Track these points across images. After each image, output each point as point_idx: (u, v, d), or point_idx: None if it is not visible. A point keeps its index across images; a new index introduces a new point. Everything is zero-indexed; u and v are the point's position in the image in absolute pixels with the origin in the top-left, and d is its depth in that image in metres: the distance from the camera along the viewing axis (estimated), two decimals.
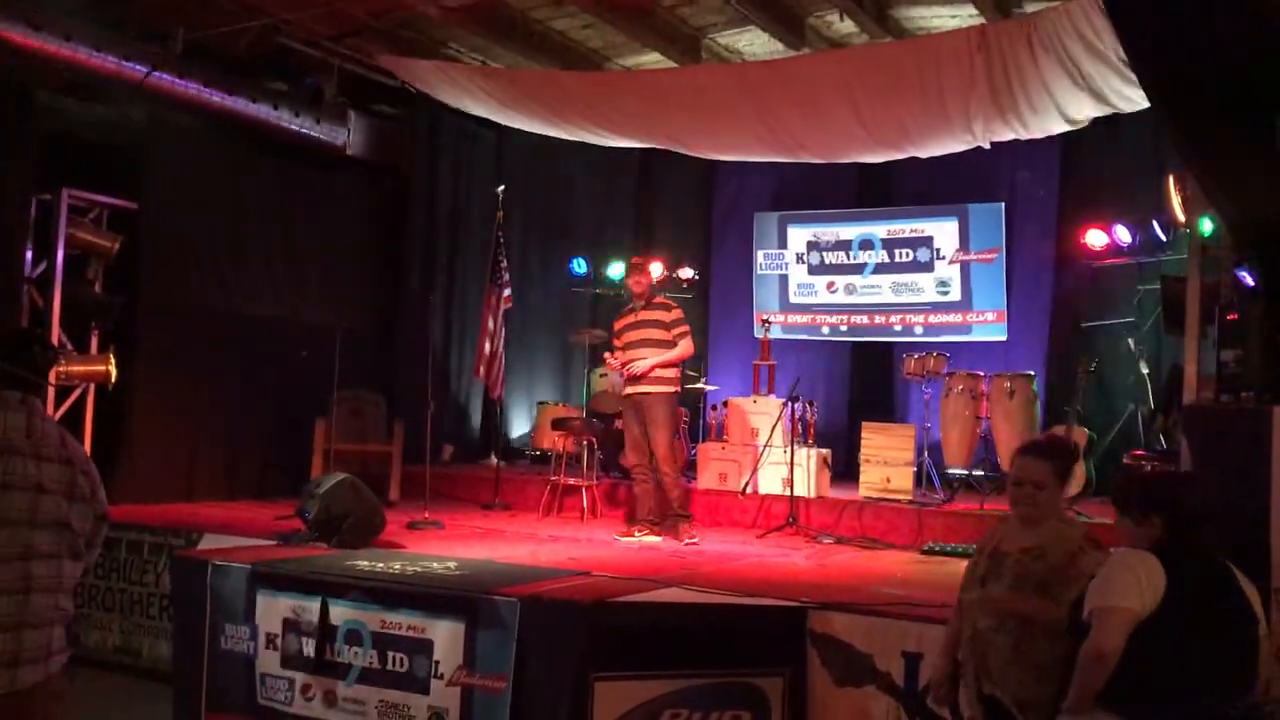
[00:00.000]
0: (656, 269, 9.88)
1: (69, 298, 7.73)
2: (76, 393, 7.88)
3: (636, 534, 7.11)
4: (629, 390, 7.31)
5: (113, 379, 7.83)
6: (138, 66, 7.87)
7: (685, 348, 7.32)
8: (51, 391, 7.49)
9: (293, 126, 9.01)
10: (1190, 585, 2.92)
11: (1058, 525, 3.34)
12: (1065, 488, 3.40)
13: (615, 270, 10.63)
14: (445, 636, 4.82)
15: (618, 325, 7.54)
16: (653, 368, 7.16)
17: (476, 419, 10.54)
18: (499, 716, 4.60)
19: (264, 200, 8.97)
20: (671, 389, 7.28)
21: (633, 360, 7.23)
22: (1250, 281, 4.01)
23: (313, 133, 9.18)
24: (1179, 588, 2.90)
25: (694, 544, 6.91)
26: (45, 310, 7.63)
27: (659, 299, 7.55)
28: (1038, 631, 3.18)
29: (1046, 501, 3.32)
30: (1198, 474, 3.54)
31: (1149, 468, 6.65)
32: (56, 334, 7.65)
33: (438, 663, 4.81)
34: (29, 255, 7.55)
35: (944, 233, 9.86)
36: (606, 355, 7.73)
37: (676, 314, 7.39)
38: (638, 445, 7.29)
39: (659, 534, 7.13)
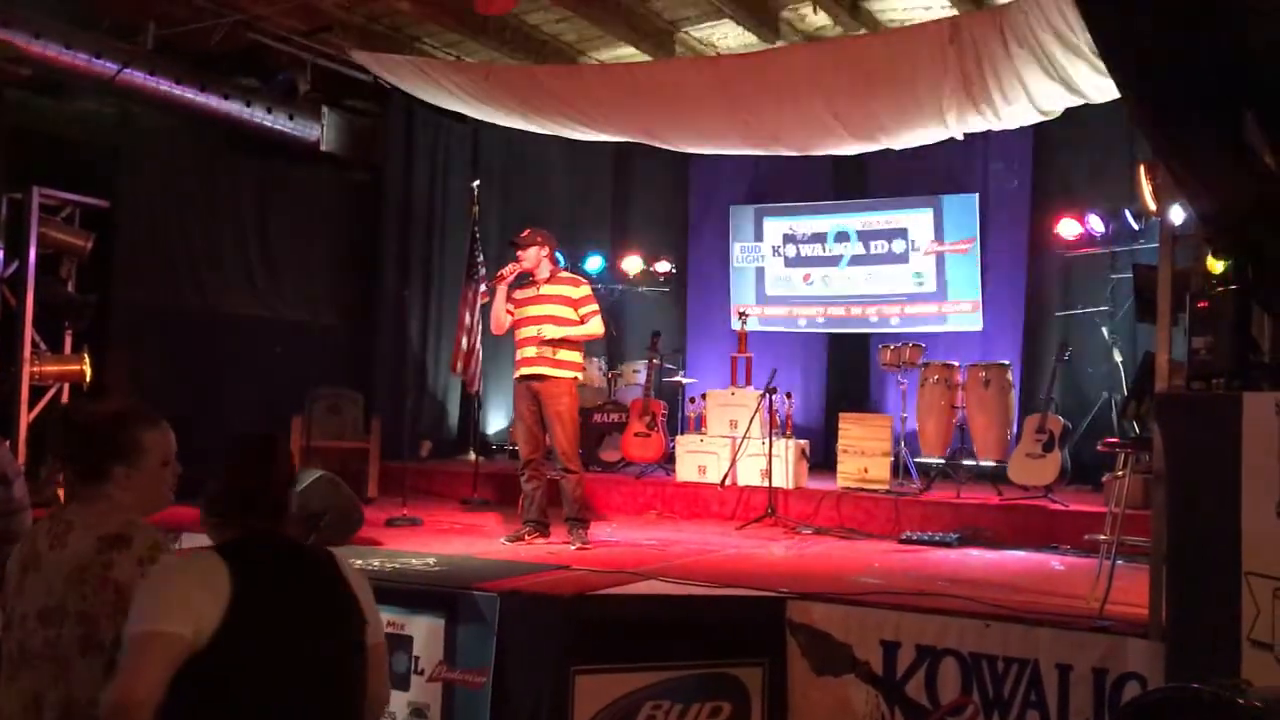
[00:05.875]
0: (553, 253, 7.42)
1: (42, 297, 7.66)
2: (51, 393, 7.82)
3: (527, 537, 6.45)
4: (525, 371, 6.50)
5: (87, 379, 7.78)
6: (108, 64, 7.80)
7: (595, 327, 6.59)
8: (25, 392, 7.45)
9: (266, 123, 8.95)
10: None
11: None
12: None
13: (593, 264, 10.61)
14: (425, 632, 4.82)
15: (516, 293, 6.74)
16: (564, 339, 6.43)
17: (454, 415, 10.51)
18: (480, 711, 4.61)
19: (238, 197, 8.93)
20: (575, 374, 6.58)
21: (530, 336, 6.45)
22: (1220, 269, 4.06)
23: (286, 129, 9.12)
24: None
25: (585, 549, 6.26)
26: (18, 310, 7.56)
27: (564, 275, 6.84)
28: None
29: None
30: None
31: None
32: (30, 334, 7.59)
33: (417, 659, 4.82)
34: (0, 255, 7.49)
35: (918, 224, 9.91)
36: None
37: (585, 290, 6.68)
38: (533, 438, 6.49)
39: (545, 538, 6.48)
